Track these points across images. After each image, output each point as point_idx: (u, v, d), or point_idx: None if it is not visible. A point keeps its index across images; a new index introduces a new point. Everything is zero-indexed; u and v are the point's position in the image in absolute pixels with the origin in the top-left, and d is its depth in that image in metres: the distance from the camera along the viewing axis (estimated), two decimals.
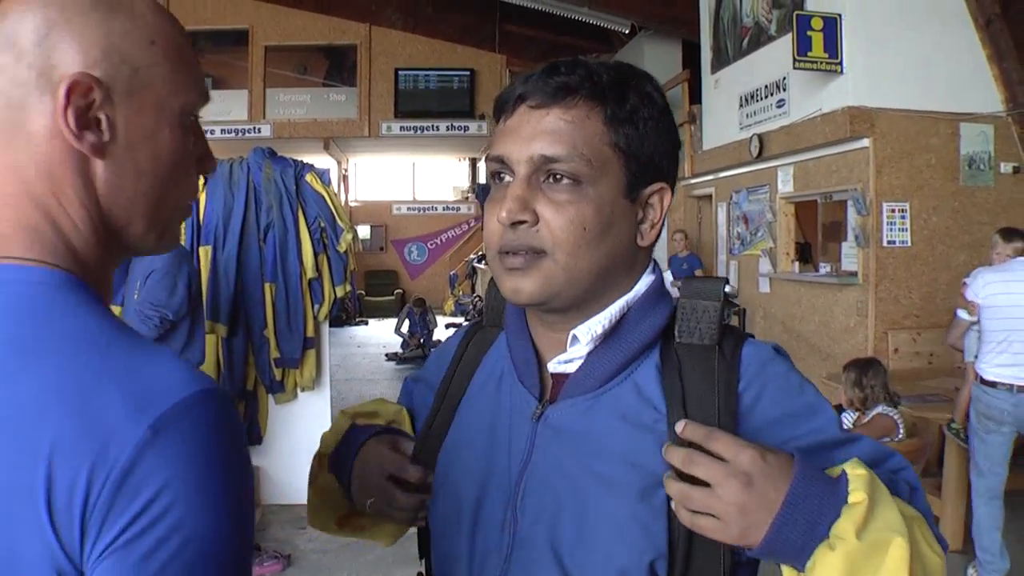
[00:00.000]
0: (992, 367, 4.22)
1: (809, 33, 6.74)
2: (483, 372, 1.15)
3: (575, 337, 1.02)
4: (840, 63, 6.77)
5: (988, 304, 4.23)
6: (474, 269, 16.01)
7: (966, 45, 6.84)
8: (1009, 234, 4.75)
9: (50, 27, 0.72)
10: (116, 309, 4.93)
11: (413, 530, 1.24)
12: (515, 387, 1.08)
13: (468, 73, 15.65)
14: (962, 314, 4.45)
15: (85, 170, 0.75)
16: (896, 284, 6.75)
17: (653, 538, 0.93)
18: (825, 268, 7.75)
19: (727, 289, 1.02)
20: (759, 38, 8.42)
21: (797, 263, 8.36)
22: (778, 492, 0.83)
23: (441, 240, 15.96)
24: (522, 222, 0.97)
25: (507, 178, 1.00)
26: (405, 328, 12.58)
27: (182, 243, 5.23)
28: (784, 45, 7.35)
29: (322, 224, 5.29)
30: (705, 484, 0.85)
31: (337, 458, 1.23)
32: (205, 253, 5.22)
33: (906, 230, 6.73)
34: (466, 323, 1.29)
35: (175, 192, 0.81)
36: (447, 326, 14.43)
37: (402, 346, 12.52)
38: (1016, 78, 6.73)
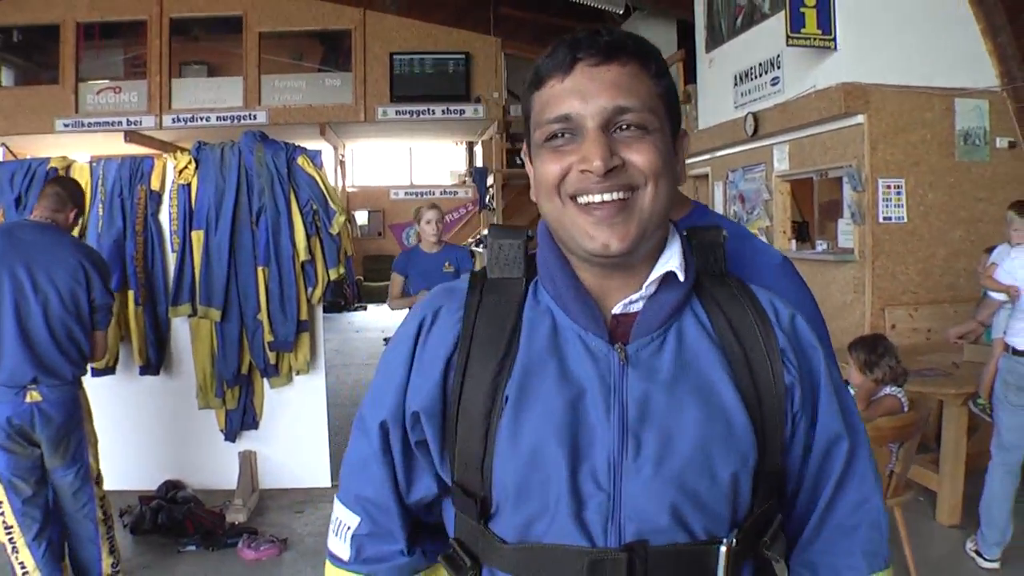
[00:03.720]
0: None
1: (802, 10, 6.71)
2: (530, 329, 1.09)
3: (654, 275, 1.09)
4: (834, 39, 6.74)
5: None
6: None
7: (960, 19, 6.81)
8: None
9: None
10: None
11: None
12: (581, 337, 1.07)
13: (463, 56, 15.53)
14: (995, 295, 4.40)
15: None
16: (893, 260, 6.73)
17: (747, 446, 1.04)
18: (822, 246, 7.73)
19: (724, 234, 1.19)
20: (753, 16, 8.37)
21: (794, 241, 8.34)
22: None
23: None
24: (614, 168, 1.02)
25: (568, 136, 1.05)
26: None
27: (168, 229, 5.25)
28: (778, 22, 7.30)
29: (314, 207, 5.26)
30: None
31: None
32: (197, 238, 5.21)
33: (902, 206, 6.71)
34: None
35: None
36: None
37: None
38: (1011, 52, 6.69)
